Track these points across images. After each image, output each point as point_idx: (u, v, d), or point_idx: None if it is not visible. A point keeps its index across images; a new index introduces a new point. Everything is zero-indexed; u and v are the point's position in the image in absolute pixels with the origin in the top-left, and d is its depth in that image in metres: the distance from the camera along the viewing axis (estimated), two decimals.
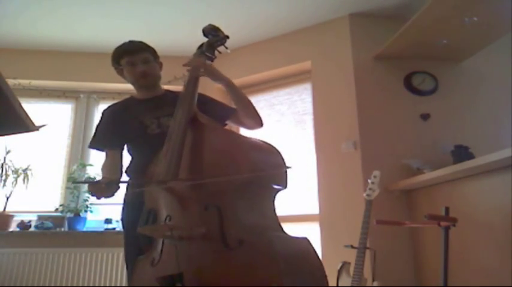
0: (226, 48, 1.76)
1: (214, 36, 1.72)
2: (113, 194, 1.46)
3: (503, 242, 1.91)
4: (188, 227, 1.31)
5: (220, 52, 1.78)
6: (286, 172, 1.40)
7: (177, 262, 1.26)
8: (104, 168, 1.79)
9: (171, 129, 1.45)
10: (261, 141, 1.45)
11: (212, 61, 1.75)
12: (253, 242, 1.17)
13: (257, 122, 1.76)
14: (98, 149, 1.83)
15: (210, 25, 1.74)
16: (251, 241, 1.17)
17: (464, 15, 2.45)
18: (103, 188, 1.43)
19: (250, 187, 1.30)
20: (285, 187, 1.40)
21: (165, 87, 1.90)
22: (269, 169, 1.39)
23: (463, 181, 2.24)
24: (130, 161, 1.77)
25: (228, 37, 1.73)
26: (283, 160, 1.42)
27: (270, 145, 1.44)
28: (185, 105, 1.48)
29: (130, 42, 1.78)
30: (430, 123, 2.97)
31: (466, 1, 2.35)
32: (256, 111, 1.76)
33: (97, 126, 1.86)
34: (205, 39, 1.74)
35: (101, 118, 1.85)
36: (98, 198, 1.46)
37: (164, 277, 1.23)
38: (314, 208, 3.04)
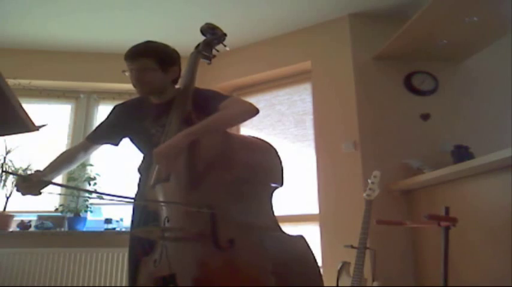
0: (225, 46, 1.73)
1: (211, 34, 1.70)
2: (37, 194, 1.44)
3: (504, 242, 1.91)
4: (180, 229, 1.31)
5: (218, 51, 1.76)
6: (282, 169, 1.39)
7: (168, 263, 1.26)
8: (62, 156, 1.70)
9: (165, 134, 1.45)
10: (257, 139, 1.44)
11: (210, 60, 1.73)
12: (244, 241, 1.17)
13: (249, 114, 1.48)
14: (94, 142, 1.78)
15: (207, 23, 1.72)
16: (242, 240, 1.17)
17: (464, 15, 2.45)
18: (27, 187, 1.41)
19: (245, 186, 1.29)
20: (281, 184, 1.38)
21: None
22: (263, 167, 1.38)
23: (463, 181, 2.23)
24: (142, 160, 1.75)
25: (225, 35, 1.71)
26: (278, 157, 1.40)
27: (265, 142, 1.42)
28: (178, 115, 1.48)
29: (134, 46, 1.61)
30: (430, 123, 2.97)
31: (466, 1, 2.34)
32: (238, 111, 1.49)
33: (104, 120, 1.79)
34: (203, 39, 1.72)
35: (110, 113, 1.78)
36: (23, 194, 1.43)
37: (157, 278, 1.24)
38: (314, 208, 3.04)
